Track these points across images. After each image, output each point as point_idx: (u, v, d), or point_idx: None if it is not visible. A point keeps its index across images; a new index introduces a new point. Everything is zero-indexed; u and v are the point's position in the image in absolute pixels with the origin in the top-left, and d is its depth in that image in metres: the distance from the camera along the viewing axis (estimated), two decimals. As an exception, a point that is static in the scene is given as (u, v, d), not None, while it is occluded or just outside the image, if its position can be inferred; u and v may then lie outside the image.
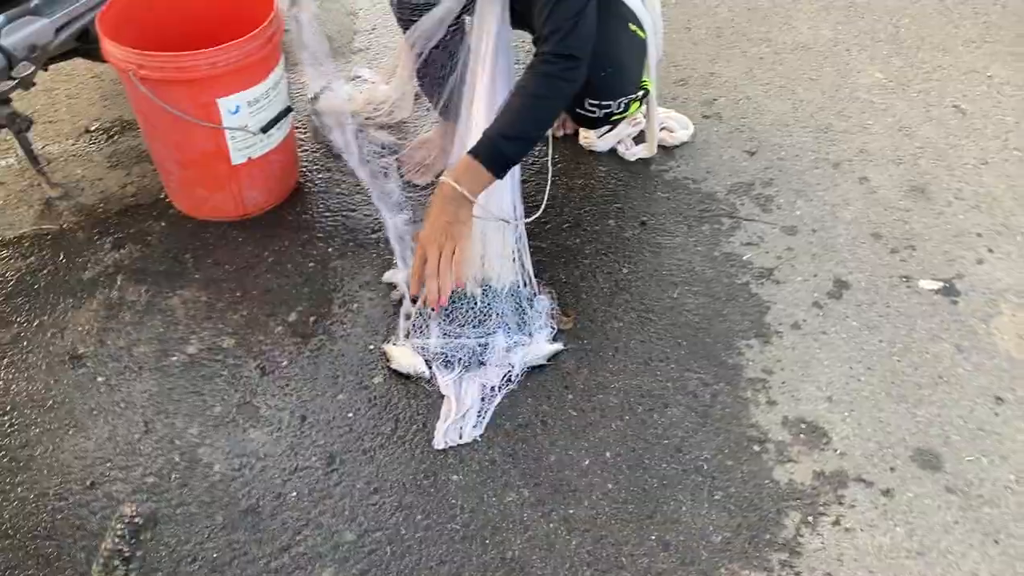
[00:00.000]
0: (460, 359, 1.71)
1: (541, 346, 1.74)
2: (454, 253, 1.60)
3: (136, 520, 1.49)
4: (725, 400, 1.67)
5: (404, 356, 1.71)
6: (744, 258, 1.95)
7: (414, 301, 1.75)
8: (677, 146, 2.23)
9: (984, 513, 1.50)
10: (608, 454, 1.59)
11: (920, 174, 2.15)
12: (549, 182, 1.88)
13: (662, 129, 2.24)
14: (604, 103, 1.82)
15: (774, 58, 2.53)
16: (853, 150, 2.22)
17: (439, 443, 1.60)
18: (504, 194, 1.78)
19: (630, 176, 2.17)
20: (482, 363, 1.71)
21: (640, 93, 1.90)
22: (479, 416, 1.65)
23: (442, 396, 1.67)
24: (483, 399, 1.67)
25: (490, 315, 1.75)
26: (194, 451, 1.60)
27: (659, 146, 2.22)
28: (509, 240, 1.80)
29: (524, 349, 1.72)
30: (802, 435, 1.61)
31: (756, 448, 1.59)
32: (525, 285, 1.81)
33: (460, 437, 1.62)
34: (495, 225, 1.77)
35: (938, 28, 2.65)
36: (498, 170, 1.60)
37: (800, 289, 1.88)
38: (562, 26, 1.59)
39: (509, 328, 1.75)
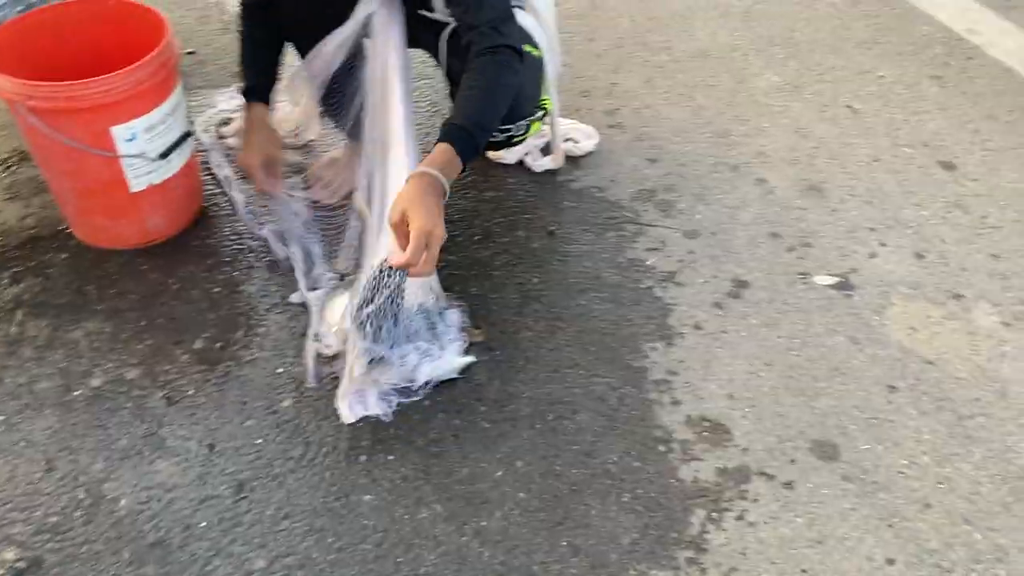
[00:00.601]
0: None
1: (451, 360, 1.75)
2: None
3: (19, 564, 1.45)
4: (632, 403, 1.71)
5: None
6: (648, 263, 2.00)
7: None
8: (582, 156, 2.27)
9: (879, 499, 1.56)
10: (520, 463, 1.61)
11: (815, 173, 2.23)
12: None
13: (567, 140, 2.28)
14: (504, 127, 1.85)
15: (674, 66, 2.60)
16: (751, 153, 2.29)
17: (347, 417, 1.65)
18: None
19: (538, 187, 2.21)
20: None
21: (540, 113, 1.93)
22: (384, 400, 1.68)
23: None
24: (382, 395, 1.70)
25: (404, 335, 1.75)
26: (99, 487, 1.57)
27: (565, 157, 2.26)
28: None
29: (432, 363, 1.73)
30: (705, 433, 1.66)
31: (662, 448, 1.63)
32: (435, 300, 1.83)
33: (366, 409, 1.67)
34: None
35: (831, 31, 2.76)
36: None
37: (701, 291, 1.93)
38: (491, 26, 1.61)
39: (419, 347, 1.75)
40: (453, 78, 1.91)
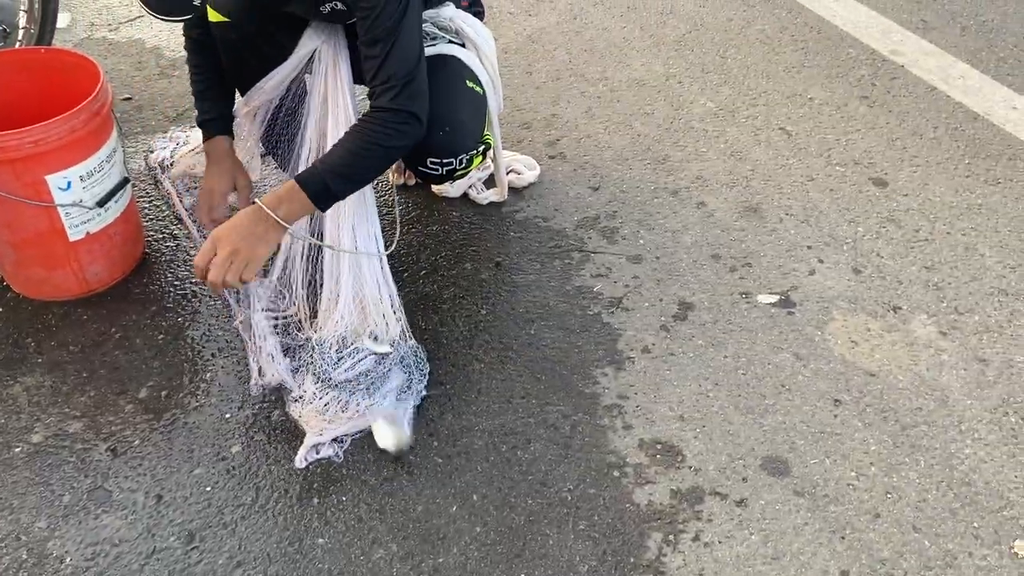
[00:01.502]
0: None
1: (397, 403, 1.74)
2: (245, 266, 1.61)
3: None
4: (584, 429, 1.72)
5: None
6: (594, 289, 2.02)
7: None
8: (526, 187, 2.30)
9: (831, 512, 1.58)
10: (475, 497, 1.61)
11: (753, 195, 2.29)
12: (398, 231, 1.91)
13: (510, 172, 2.30)
14: (445, 160, 1.86)
15: (611, 96, 2.65)
16: (690, 177, 2.34)
17: (299, 462, 1.65)
18: (368, 228, 1.82)
19: (483, 219, 2.22)
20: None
21: (481, 148, 1.96)
22: (336, 440, 1.68)
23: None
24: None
25: (384, 381, 1.75)
26: (42, 546, 1.52)
27: (509, 188, 2.28)
28: (384, 291, 1.81)
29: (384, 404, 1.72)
30: (658, 456, 1.67)
31: (616, 473, 1.64)
32: (408, 339, 1.82)
33: (317, 453, 1.66)
34: (371, 278, 1.79)
35: (761, 56, 2.84)
36: (322, 204, 1.64)
37: (648, 314, 1.96)
38: (394, 83, 1.63)
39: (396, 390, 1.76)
40: None
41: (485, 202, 2.26)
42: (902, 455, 1.67)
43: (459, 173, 1.94)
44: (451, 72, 1.89)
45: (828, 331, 1.92)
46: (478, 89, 1.93)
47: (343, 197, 1.68)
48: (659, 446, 1.69)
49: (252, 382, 1.77)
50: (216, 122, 1.96)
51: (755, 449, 1.69)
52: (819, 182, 2.33)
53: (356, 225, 1.83)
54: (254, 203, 1.63)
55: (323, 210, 1.67)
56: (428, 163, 1.88)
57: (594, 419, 1.74)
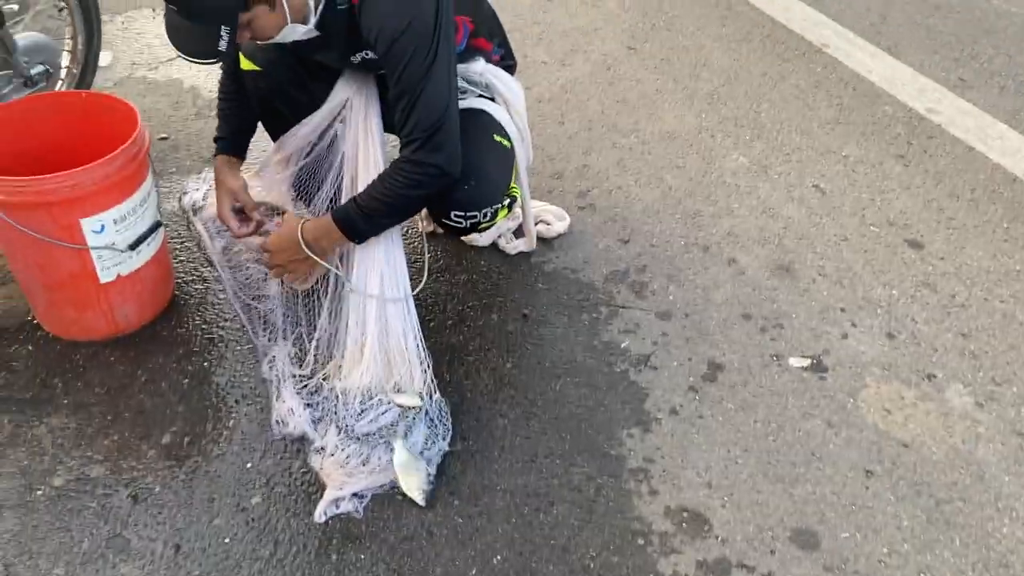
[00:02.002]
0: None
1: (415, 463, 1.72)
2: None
3: None
4: (609, 493, 1.69)
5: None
6: (622, 345, 1.99)
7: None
8: (555, 238, 2.29)
9: (861, 589, 1.53)
10: (495, 560, 1.58)
11: (785, 253, 2.26)
12: (425, 277, 1.92)
13: (539, 222, 2.29)
14: (469, 213, 1.86)
15: (643, 148, 2.64)
16: (721, 233, 2.32)
17: (318, 516, 1.63)
18: (397, 277, 1.84)
19: (511, 269, 2.21)
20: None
21: (507, 201, 1.96)
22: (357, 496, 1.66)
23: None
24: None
25: (408, 435, 1.74)
26: (59, 594, 1.51)
27: (538, 238, 2.27)
28: (411, 342, 1.81)
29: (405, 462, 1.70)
30: (684, 524, 1.63)
31: (640, 541, 1.60)
32: (432, 395, 1.81)
33: (337, 508, 1.65)
34: (398, 328, 1.80)
35: (795, 111, 2.82)
36: (355, 240, 1.79)
37: (676, 374, 1.93)
38: (418, 136, 1.66)
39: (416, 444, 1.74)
40: None
41: (514, 252, 2.25)
42: (936, 532, 1.62)
43: (483, 226, 1.94)
44: (479, 126, 1.89)
45: (861, 398, 1.88)
46: (506, 143, 1.93)
47: (375, 235, 1.79)
48: (685, 514, 1.65)
49: (274, 429, 1.77)
50: (231, 142, 2.03)
51: (784, 520, 1.64)
52: (853, 242, 2.30)
53: (384, 273, 1.83)
54: (299, 228, 1.81)
55: (358, 243, 1.80)
56: (452, 216, 1.88)
57: (619, 482, 1.70)
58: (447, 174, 1.69)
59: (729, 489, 1.69)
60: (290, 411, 1.78)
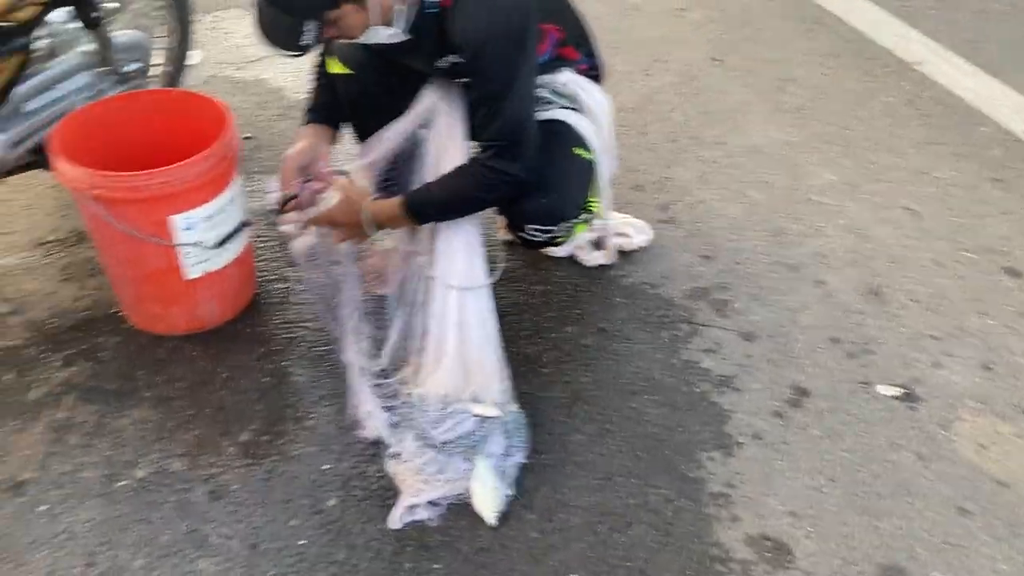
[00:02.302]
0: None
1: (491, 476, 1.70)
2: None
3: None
4: (688, 517, 1.64)
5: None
6: (703, 365, 1.95)
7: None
8: (635, 251, 2.25)
9: (953, 633, 1.47)
10: (570, 578, 1.55)
11: (874, 276, 2.18)
12: (497, 273, 1.89)
13: (619, 235, 2.26)
14: (546, 228, 1.85)
15: (727, 162, 2.59)
16: (808, 253, 2.25)
17: (393, 522, 1.62)
18: (474, 261, 1.82)
19: (589, 282, 2.18)
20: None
21: (584, 216, 1.92)
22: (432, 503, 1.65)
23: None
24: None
25: (484, 445, 1.72)
26: (138, 586, 1.53)
27: (617, 252, 2.24)
28: (489, 352, 1.79)
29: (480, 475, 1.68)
30: (766, 553, 1.58)
31: (720, 568, 1.56)
32: (509, 406, 1.79)
33: (412, 514, 1.64)
34: (477, 338, 1.78)
35: (885, 130, 2.73)
36: (418, 223, 1.80)
37: (760, 397, 1.87)
38: (494, 145, 1.67)
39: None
40: None
41: (592, 264, 2.22)
42: (1036, 577, 1.54)
43: (560, 240, 1.91)
44: (560, 139, 1.87)
45: (954, 431, 1.80)
46: (586, 155, 1.91)
47: (430, 220, 1.81)
48: (768, 543, 1.60)
49: (354, 420, 1.78)
50: (322, 112, 1.97)
51: (871, 554, 1.58)
52: (947, 268, 2.21)
53: (463, 266, 1.82)
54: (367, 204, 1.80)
55: (414, 221, 1.80)
56: (528, 229, 1.87)
57: (698, 506, 1.66)
58: (522, 183, 1.70)
59: (814, 519, 1.64)
60: (368, 413, 1.78)
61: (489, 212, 1.92)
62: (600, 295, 2.14)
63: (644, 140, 2.68)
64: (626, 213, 2.34)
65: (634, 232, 2.28)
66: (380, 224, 1.81)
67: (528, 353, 1.99)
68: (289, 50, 1.58)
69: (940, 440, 1.78)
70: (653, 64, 3.07)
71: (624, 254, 2.25)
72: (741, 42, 3.19)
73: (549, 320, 2.07)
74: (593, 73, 2.00)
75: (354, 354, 1.88)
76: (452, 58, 1.74)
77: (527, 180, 1.71)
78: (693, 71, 3.02)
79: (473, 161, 1.72)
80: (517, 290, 2.15)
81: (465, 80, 1.73)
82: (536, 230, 1.87)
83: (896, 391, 1.88)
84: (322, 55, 1.97)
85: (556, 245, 2.01)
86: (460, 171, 1.73)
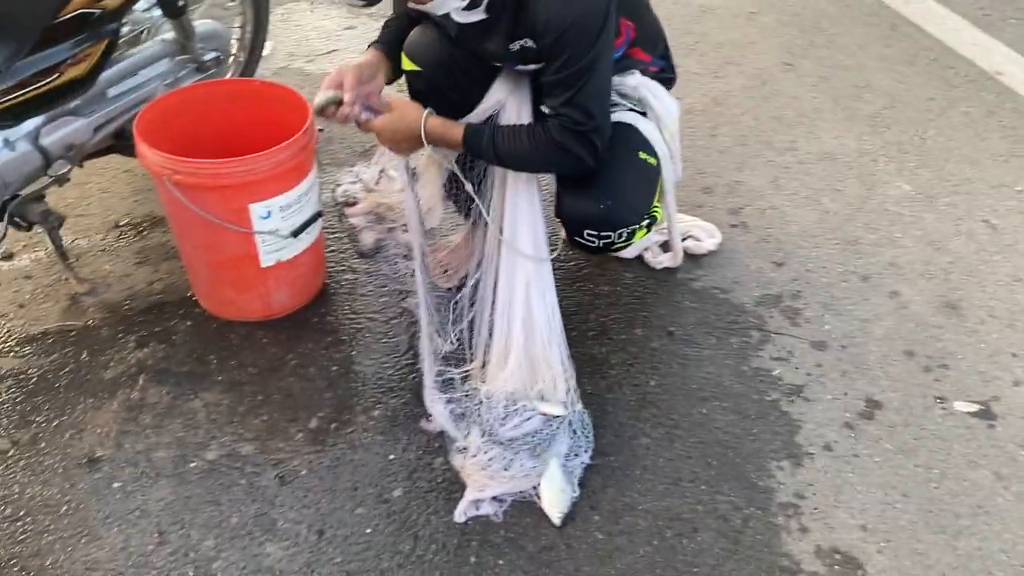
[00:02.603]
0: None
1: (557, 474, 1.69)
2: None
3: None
4: (756, 526, 1.62)
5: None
6: (774, 373, 1.92)
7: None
8: (704, 255, 2.22)
9: (1032, 659, 1.42)
10: (635, 581, 1.54)
11: (952, 289, 2.13)
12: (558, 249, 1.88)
13: (688, 238, 2.24)
14: (603, 233, 1.82)
15: (799, 168, 2.54)
16: (883, 263, 2.21)
17: (458, 516, 1.63)
18: (537, 229, 1.82)
19: (657, 284, 2.16)
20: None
21: (645, 222, 1.89)
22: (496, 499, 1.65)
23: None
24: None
25: (550, 444, 1.72)
26: (208, 566, 1.55)
27: (686, 254, 2.21)
28: (555, 351, 1.79)
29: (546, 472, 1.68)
30: (836, 567, 1.55)
31: (789, 580, 1.53)
32: (575, 405, 1.78)
33: (477, 509, 1.64)
34: (542, 336, 1.78)
35: (965, 141, 2.67)
36: (471, 154, 1.77)
37: (831, 408, 1.84)
38: (569, 126, 1.64)
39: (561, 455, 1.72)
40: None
41: (659, 267, 2.20)
42: (1121, 607, 1.49)
43: (617, 246, 1.88)
44: (626, 143, 1.84)
45: (1034, 452, 1.75)
46: (651, 160, 1.87)
47: (481, 159, 1.80)
48: (838, 556, 1.57)
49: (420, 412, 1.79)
50: (381, 44, 1.91)
51: (947, 574, 1.54)
52: (1027, 283, 2.15)
53: (531, 281, 1.82)
54: (420, 115, 1.76)
55: (466, 151, 1.77)
56: (585, 234, 1.84)
57: (767, 516, 1.63)
58: (586, 165, 1.69)
59: (886, 535, 1.60)
60: (434, 406, 1.79)
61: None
62: (668, 298, 2.12)
63: (714, 143, 2.65)
64: (695, 216, 2.32)
65: (704, 235, 2.26)
66: (434, 138, 1.76)
67: (594, 354, 1.98)
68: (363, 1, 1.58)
69: (1020, 460, 1.73)
70: (724, 66, 3.03)
71: (693, 258, 2.23)
72: (815, 47, 3.14)
73: (616, 321, 2.06)
74: (664, 76, 1.96)
75: (422, 347, 1.88)
76: (525, 42, 1.72)
77: (591, 164, 1.69)
78: (765, 75, 2.98)
79: (542, 131, 1.68)
80: (583, 290, 2.14)
81: (537, 65, 1.72)
82: (593, 236, 1.84)
83: (974, 408, 1.83)
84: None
85: (613, 251, 1.99)
86: (531, 133, 1.70)
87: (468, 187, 1.85)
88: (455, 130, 1.75)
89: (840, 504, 1.65)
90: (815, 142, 2.65)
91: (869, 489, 1.68)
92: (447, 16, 1.69)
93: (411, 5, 1.70)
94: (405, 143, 1.80)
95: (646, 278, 2.18)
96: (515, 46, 1.72)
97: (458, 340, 1.93)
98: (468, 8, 1.64)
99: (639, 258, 2.23)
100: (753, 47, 3.14)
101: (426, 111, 1.76)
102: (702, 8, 3.40)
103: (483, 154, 1.75)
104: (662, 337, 2.02)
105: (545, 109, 1.68)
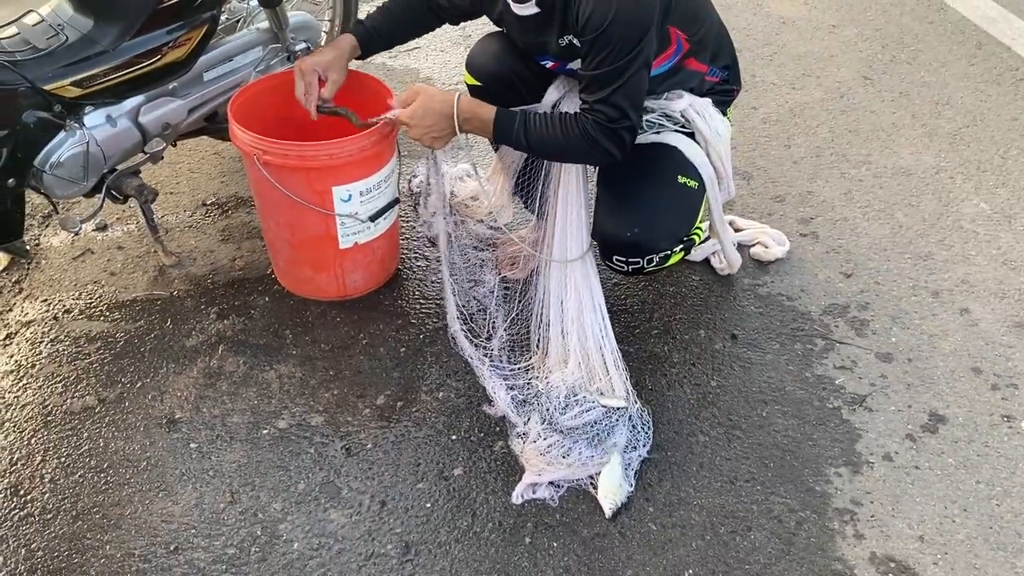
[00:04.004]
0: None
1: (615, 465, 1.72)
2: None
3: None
4: (811, 529, 1.62)
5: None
6: (836, 382, 1.92)
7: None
8: (771, 262, 2.23)
9: None
10: (687, 574, 1.56)
11: (1025, 310, 2.10)
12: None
13: (755, 244, 2.25)
14: (632, 260, 1.83)
15: (873, 181, 2.53)
16: (954, 280, 2.18)
17: (515, 498, 1.68)
18: (593, 297, 1.85)
19: (722, 288, 2.18)
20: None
21: (679, 248, 1.89)
22: (553, 485, 1.69)
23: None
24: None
25: (609, 435, 1.75)
26: (275, 526, 1.63)
27: (754, 260, 2.22)
28: (607, 350, 1.82)
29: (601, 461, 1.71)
30: (891, 575, 1.55)
31: (842, 584, 1.54)
32: (635, 399, 1.82)
33: (533, 492, 1.68)
34: (593, 337, 1.81)
35: (1047, 162, 2.62)
36: (497, 139, 1.79)
37: (893, 419, 1.83)
38: (602, 121, 1.65)
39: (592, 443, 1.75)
40: (604, 169, 1.92)
41: (724, 272, 2.21)
42: None
43: (649, 270, 1.88)
44: (663, 167, 1.83)
45: (1103, 477, 1.72)
46: (691, 184, 1.85)
47: (513, 146, 1.80)
48: (893, 564, 1.57)
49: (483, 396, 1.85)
50: (367, 31, 1.98)
51: (1004, 591, 1.53)
52: (1105, 308, 2.10)
53: (580, 285, 1.86)
54: (451, 96, 1.76)
55: (496, 138, 1.79)
56: (615, 259, 1.85)
57: (823, 520, 1.64)
58: (612, 159, 1.70)
59: (944, 547, 1.59)
60: (494, 391, 1.84)
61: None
62: (734, 302, 2.14)
63: (787, 153, 2.65)
64: (765, 223, 2.33)
65: (772, 243, 2.26)
66: (466, 118, 1.74)
67: (656, 352, 2.00)
68: None
69: (1087, 484, 1.70)
70: (802, 78, 3.02)
71: (760, 264, 2.24)
72: (895, 63, 3.11)
73: (680, 322, 2.08)
74: (725, 87, 1.93)
75: (485, 335, 1.94)
76: (572, 39, 1.74)
77: (619, 159, 1.70)
78: (843, 89, 2.96)
79: (574, 123, 1.69)
80: (649, 289, 2.17)
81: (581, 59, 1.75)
82: (621, 261, 1.84)
83: (1042, 429, 1.81)
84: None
85: (645, 275, 2.01)
86: (564, 124, 1.70)
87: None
88: (486, 111, 1.74)
89: (898, 514, 1.65)
90: (891, 157, 2.63)
91: (928, 501, 1.67)
92: (507, 8, 1.74)
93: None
94: (436, 129, 1.78)
95: (712, 281, 2.20)
96: (563, 41, 1.74)
97: (519, 329, 1.97)
98: (520, 1, 1.69)
99: (706, 261, 2.24)
100: (833, 60, 3.13)
101: (457, 92, 1.77)
102: (782, 20, 3.39)
103: (512, 138, 1.74)
104: (725, 340, 2.03)
105: (579, 101, 1.71)
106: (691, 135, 1.87)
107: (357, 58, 2.00)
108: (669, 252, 1.86)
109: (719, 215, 2.00)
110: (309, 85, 1.91)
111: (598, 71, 1.62)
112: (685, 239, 1.93)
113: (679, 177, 1.84)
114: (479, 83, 2.00)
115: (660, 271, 1.97)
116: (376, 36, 1.99)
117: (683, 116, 1.86)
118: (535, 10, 1.70)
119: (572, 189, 1.87)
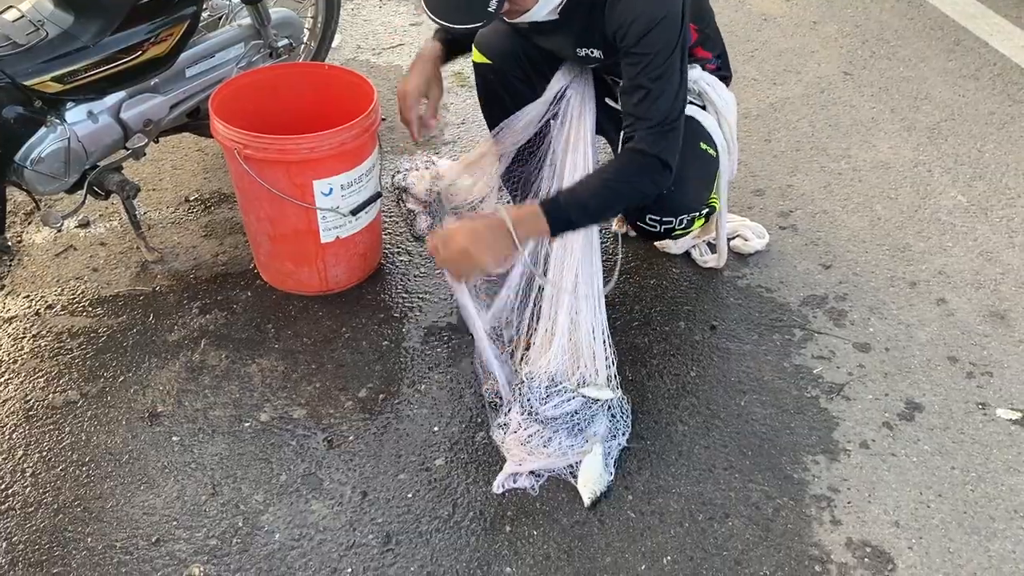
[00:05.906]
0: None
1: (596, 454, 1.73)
2: (469, 269, 1.69)
3: (194, 581, 1.52)
4: (788, 515, 1.64)
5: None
6: (814, 371, 1.94)
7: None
8: (751, 254, 2.25)
9: (1060, 662, 1.42)
10: (665, 560, 1.57)
11: (1001, 300, 2.12)
12: (615, 276, 1.92)
13: (736, 237, 2.27)
14: (665, 219, 1.86)
15: (853, 175, 2.55)
16: (931, 271, 2.21)
17: (496, 488, 1.68)
18: (591, 273, 1.85)
19: (702, 280, 2.20)
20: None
21: (705, 211, 1.93)
22: (533, 474, 1.70)
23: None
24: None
25: (589, 425, 1.76)
26: (257, 518, 1.64)
27: (734, 253, 2.24)
28: (599, 339, 1.83)
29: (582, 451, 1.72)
30: (866, 559, 1.57)
31: (817, 568, 1.55)
32: (616, 389, 1.83)
33: (514, 482, 1.69)
34: (587, 325, 1.81)
35: None
36: (557, 230, 1.66)
37: (870, 408, 1.85)
38: (648, 128, 1.65)
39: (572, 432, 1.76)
40: None
41: (705, 265, 2.23)
42: None
43: (677, 232, 1.92)
44: (687, 133, 1.84)
45: (1076, 462, 1.74)
46: (711, 152, 1.91)
47: (578, 229, 1.73)
48: (868, 549, 1.59)
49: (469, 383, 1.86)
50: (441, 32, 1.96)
51: (977, 574, 1.55)
52: (1080, 298, 2.13)
53: (580, 270, 1.86)
54: (495, 214, 1.69)
55: (554, 235, 1.68)
56: (647, 219, 1.88)
57: (800, 506, 1.66)
58: (670, 171, 1.68)
59: (919, 532, 1.61)
60: (489, 371, 1.84)
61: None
62: (713, 294, 2.16)
63: (768, 147, 2.67)
64: (745, 216, 2.35)
65: (752, 235, 2.28)
66: (518, 223, 1.63)
67: (637, 343, 2.02)
68: (474, 21, 1.56)
69: (1060, 470, 1.73)
70: (783, 74, 3.05)
71: (740, 256, 2.26)
72: (875, 58, 3.14)
73: (660, 313, 2.10)
74: (721, 74, 2.01)
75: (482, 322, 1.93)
76: (591, 51, 1.78)
77: (671, 165, 1.67)
78: (823, 84, 2.99)
79: (622, 154, 1.68)
80: (629, 282, 2.18)
81: (599, 63, 1.76)
82: (655, 220, 1.88)
83: (1016, 415, 1.83)
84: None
85: (673, 238, 2.03)
86: (608, 166, 1.68)
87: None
88: (528, 206, 1.66)
89: (874, 500, 1.67)
90: (870, 150, 2.66)
91: (904, 488, 1.69)
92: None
93: (506, 20, 1.76)
94: (489, 252, 1.64)
95: (692, 274, 2.22)
96: (581, 52, 1.78)
97: (505, 317, 1.98)
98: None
99: (687, 254, 2.26)
100: (813, 56, 3.15)
101: (498, 205, 1.71)
102: (764, 17, 3.42)
103: (570, 215, 1.64)
104: (705, 330, 2.05)
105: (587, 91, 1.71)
106: (703, 108, 1.93)
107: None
108: (695, 214, 1.90)
109: (725, 193, 2.04)
110: (415, 112, 1.91)
111: (642, 76, 1.62)
112: (706, 205, 1.96)
113: (701, 144, 1.89)
114: (488, 60, 2.00)
115: (684, 235, 1.99)
116: (455, 40, 1.98)
117: (697, 87, 1.91)
118: (555, 17, 1.71)
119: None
